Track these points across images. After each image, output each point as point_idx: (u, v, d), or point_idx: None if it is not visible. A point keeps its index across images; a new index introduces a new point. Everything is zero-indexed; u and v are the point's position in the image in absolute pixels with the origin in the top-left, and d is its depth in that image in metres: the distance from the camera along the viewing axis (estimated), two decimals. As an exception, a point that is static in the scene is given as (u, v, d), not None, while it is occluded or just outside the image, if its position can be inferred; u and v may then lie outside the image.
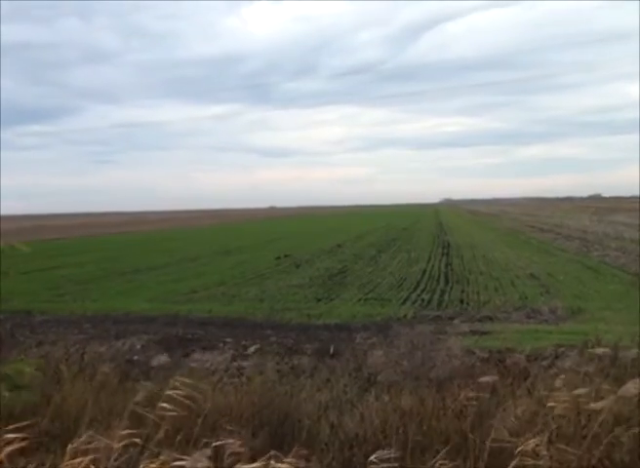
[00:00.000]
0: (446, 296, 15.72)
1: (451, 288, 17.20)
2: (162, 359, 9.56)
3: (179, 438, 3.69)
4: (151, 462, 3.00)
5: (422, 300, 15.12)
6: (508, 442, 3.52)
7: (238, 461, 3.12)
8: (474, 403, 4.60)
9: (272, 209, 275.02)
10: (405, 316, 13.09)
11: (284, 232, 51.80)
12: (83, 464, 2.85)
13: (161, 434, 3.54)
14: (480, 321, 12.45)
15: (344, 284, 18.48)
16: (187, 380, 3.64)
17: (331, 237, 42.94)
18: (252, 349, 10.04)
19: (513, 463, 3.21)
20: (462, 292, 16.41)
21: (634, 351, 6.83)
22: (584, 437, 3.54)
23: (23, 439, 3.04)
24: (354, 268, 22.61)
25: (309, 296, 16.12)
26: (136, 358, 9.93)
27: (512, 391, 5.53)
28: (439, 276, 19.78)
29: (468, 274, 20.08)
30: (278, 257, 27.23)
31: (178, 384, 3.53)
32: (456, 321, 12.45)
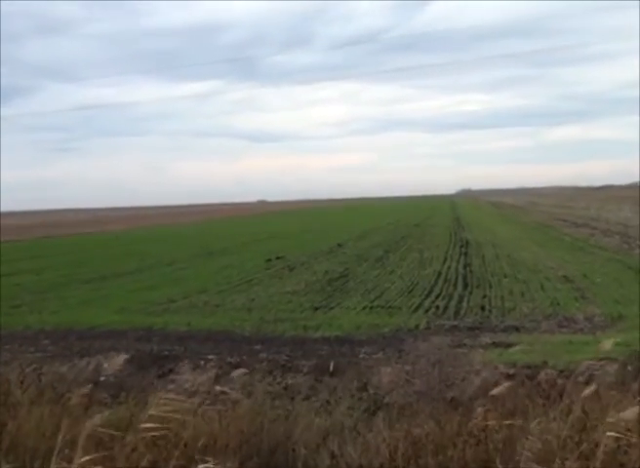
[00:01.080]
0: (465, 303, 15.75)
1: (470, 293, 17.25)
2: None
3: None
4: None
5: (437, 308, 15.16)
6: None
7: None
8: (499, 426, 4.60)
9: (262, 203, 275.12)
10: (417, 326, 13.14)
11: (276, 230, 51.84)
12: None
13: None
14: (505, 331, 12.48)
15: (346, 290, 18.50)
16: (164, 405, 3.63)
17: (330, 235, 42.91)
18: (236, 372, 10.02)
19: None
20: (484, 297, 16.45)
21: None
22: (622, 464, 3.54)
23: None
24: (358, 271, 22.63)
25: (305, 305, 16.13)
26: (103, 379, 9.93)
27: (544, 412, 5.54)
28: (456, 279, 19.84)
29: (491, 277, 20.12)
30: (269, 260, 27.26)
31: (153, 410, 3.52)
32: (476, 331, 12.48)
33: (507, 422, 4.82)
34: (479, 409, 5.59)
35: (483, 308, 14.97)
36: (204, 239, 44.56)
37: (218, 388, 8.95)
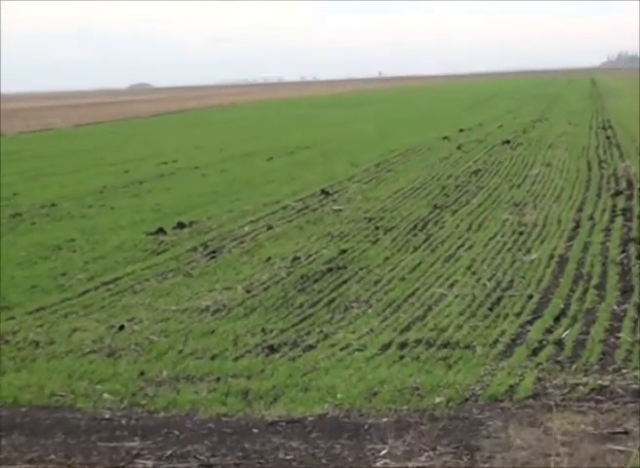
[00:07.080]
0: (624, 333, 15.86)
1: (638, 309, 17.37)
2: None
3: None
4: None
5: (560, 346, 15.29)
6: None
7: None
8: None
9: (144, 91, 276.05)
10: (512, 391, 13.25)
11: (178, 156, 52.63)
12: None
13: None
14: None
15: (343, 302, 18.78)
16: None
17: (307, 169, 43.63)
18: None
19: None
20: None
21: None
22: None
23: None
24: (369, 258, 23.00)
25: (247, 341, 16.36)
26: None
27: None
28: (604, 275, 20.08)
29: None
30: (159, 230, 27.75)
31: None
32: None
33: None
34: None
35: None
36: (11, 181, 44.65)
37: None
